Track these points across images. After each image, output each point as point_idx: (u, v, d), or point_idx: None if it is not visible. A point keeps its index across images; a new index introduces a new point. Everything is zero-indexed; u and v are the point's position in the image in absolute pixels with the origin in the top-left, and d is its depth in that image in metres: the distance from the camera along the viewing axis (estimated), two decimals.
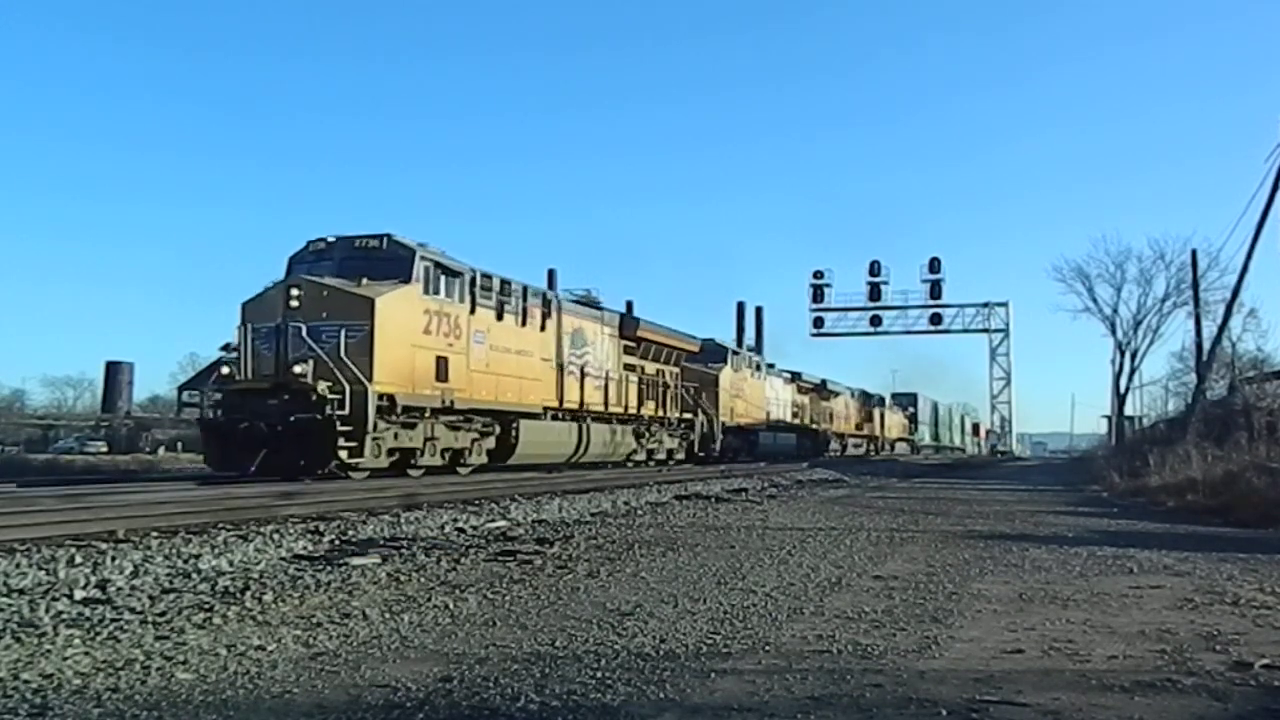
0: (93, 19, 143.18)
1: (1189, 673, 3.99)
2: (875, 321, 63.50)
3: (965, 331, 65.59)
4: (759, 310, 52.36)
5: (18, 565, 5.96)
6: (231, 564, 6.59)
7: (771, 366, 39.81)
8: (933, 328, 63.36)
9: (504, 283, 18.52)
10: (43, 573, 5.83)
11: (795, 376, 42.15)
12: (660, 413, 26.04)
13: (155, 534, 7.77)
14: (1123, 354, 39.54)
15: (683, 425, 27.84)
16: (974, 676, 3.87)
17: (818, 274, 63.92)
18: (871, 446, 56.24)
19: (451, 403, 16.49)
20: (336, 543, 7.90)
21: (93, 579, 5.75)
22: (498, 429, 18.33)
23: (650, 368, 25.76)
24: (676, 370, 27.58)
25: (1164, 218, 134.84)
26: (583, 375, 21.52)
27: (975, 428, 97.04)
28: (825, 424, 45.78)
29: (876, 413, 57.62)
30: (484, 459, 18.21)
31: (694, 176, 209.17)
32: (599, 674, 3.83)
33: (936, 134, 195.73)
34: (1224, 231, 60.36)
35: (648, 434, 25.32)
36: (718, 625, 4.87)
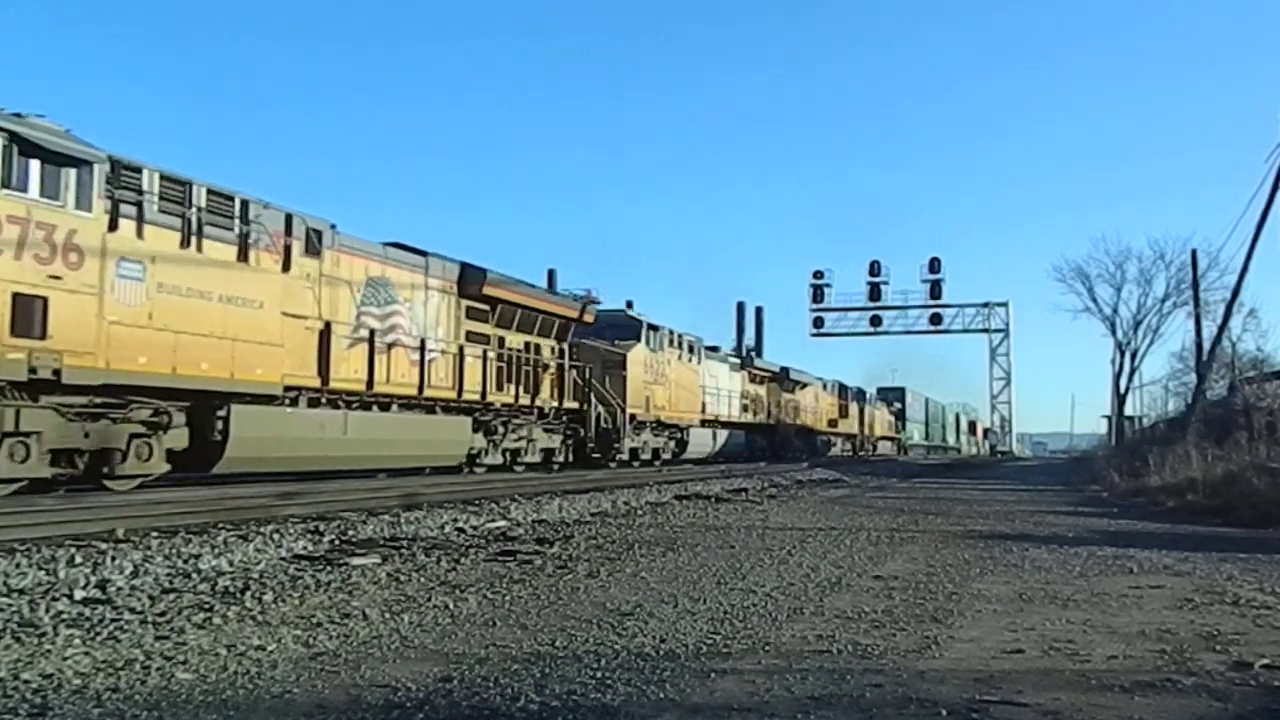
0: (73, 5, 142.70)
1: (1189, 673, 4.00)
2: (875, 321, 63.50)
3: (965, 331, 65.64)
4: (759, 310, 52.44)
5: (18, 565, 5.95)
6: (231, 564, 6.59)
7: (715, 349, 33.47)
8: (933, 328, 63.37)
9: (198, 191, 12.22)
10: (43, 573, 5.83)
11: (746, 362, 36.76)
12: (527, 400, 20.05)
13: (155, 534, 7.77)
14: (1123, 354, 39.55)
15: (568, 417, 21.85)
16: (974, 676, 3.87)
17: (818, 274, 63.96)
18: (849, 445, 50.79)
19: (57, 372, 10.26)
20: (336, 543, 7.90)
21: (93, 579, 5.74)
22: (186, 418, 12.13)
23: (515, 340, 19.77)
24: (560, 346, 21.67)
25: (1166, 215, 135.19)
26: (375, 342, 15.31)
27: (972, 426, 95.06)
28: (788, 419, 39.87)
29: (855, 408, 52.11)
30: (162, 464, 11.97)
31: (693, 177, 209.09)
32: (599, 674, 3.83)
33: (937, 132, 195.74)
34: (1225, 227, 60.58)
35: (505, 428, 19.29)
36: (718, 625, 4.87)
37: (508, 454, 19.61)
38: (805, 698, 3.54)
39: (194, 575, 6.08)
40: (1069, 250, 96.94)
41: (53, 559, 6.24)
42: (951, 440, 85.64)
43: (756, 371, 37.12)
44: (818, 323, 64.35)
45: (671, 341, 27.89)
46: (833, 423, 47.38)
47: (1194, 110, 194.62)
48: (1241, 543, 9.37)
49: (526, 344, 20.20)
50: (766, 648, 4.39)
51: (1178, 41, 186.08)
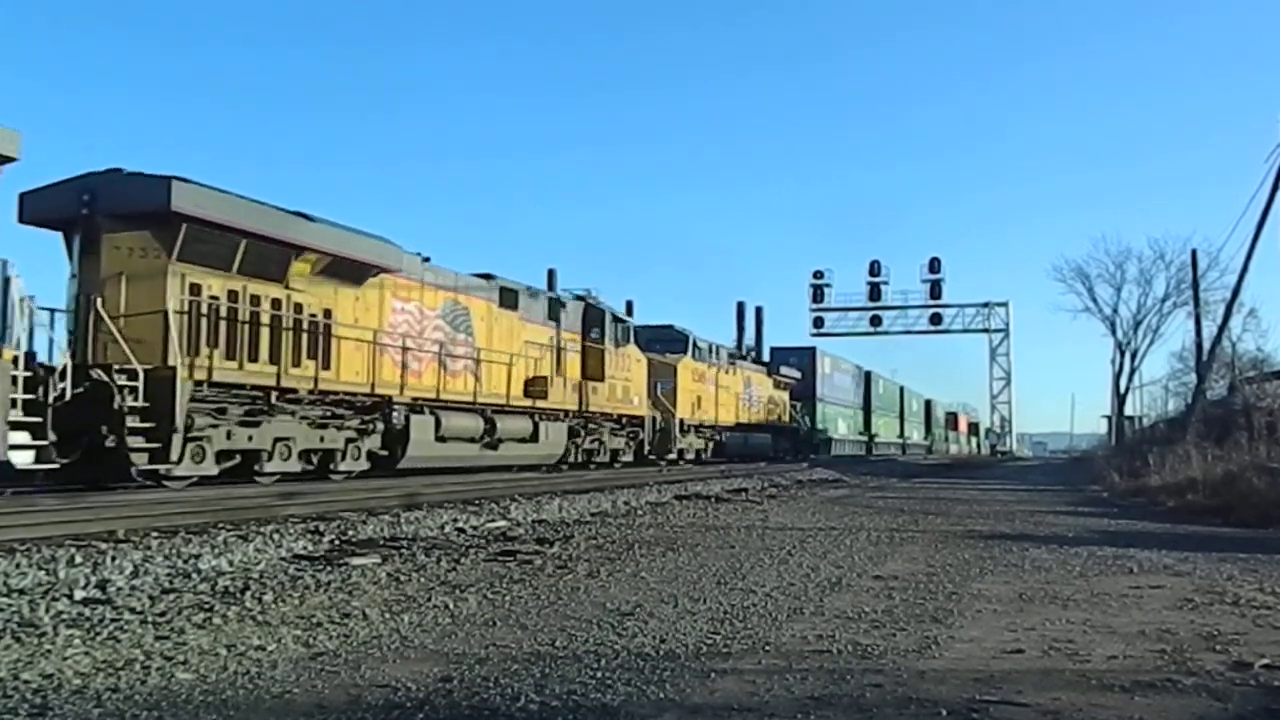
0: (73, 6, 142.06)
1: (1189, 673, 4.00)
2: (875, 321, 63.39)
3: (965, 331, 65.40)
4: (759, 310, 52.20)
5: (18, 565, 5.96)
6: (231, 564, 6.59)
7: None
8: (933, 328, 63.23)
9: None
10: (43, 573, 5.83)
11: None
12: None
13: (155, 534, 7.77)
14: (1123, 354, 39.56)
15: None
16: (974, 676, 3.87)
17: (818, 274, 63.85)
18: (620, 442, 24.18)
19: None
20: (336, 543, 7.90)
21: (93, 579, 5.75)
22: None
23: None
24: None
25: (1166, 215, 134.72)
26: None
27: (953, 419, 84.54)
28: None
29: (635, 362, 24.88)
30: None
31: (694, 177, 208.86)
32: (599, 674, 3.83)
33: (937, 132, 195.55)
34: (1225, 227, 60.46)
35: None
36: (718, 625, 4.87)
37: None
38: (805, 698, 3.54)
39: (194, 575, 6.08)
40: (1069, 250, 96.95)
41: (53, 559, 6.25)
42: (916, 435, 66.05)
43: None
44: (818, 323, 64.22)
45: None
46: (538, 385, 19.77)
47: (1194, 110, 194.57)
48: (1241, 543, 9.37)
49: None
50: (766, 648, 4.39)
51: (1178, 41, 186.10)
